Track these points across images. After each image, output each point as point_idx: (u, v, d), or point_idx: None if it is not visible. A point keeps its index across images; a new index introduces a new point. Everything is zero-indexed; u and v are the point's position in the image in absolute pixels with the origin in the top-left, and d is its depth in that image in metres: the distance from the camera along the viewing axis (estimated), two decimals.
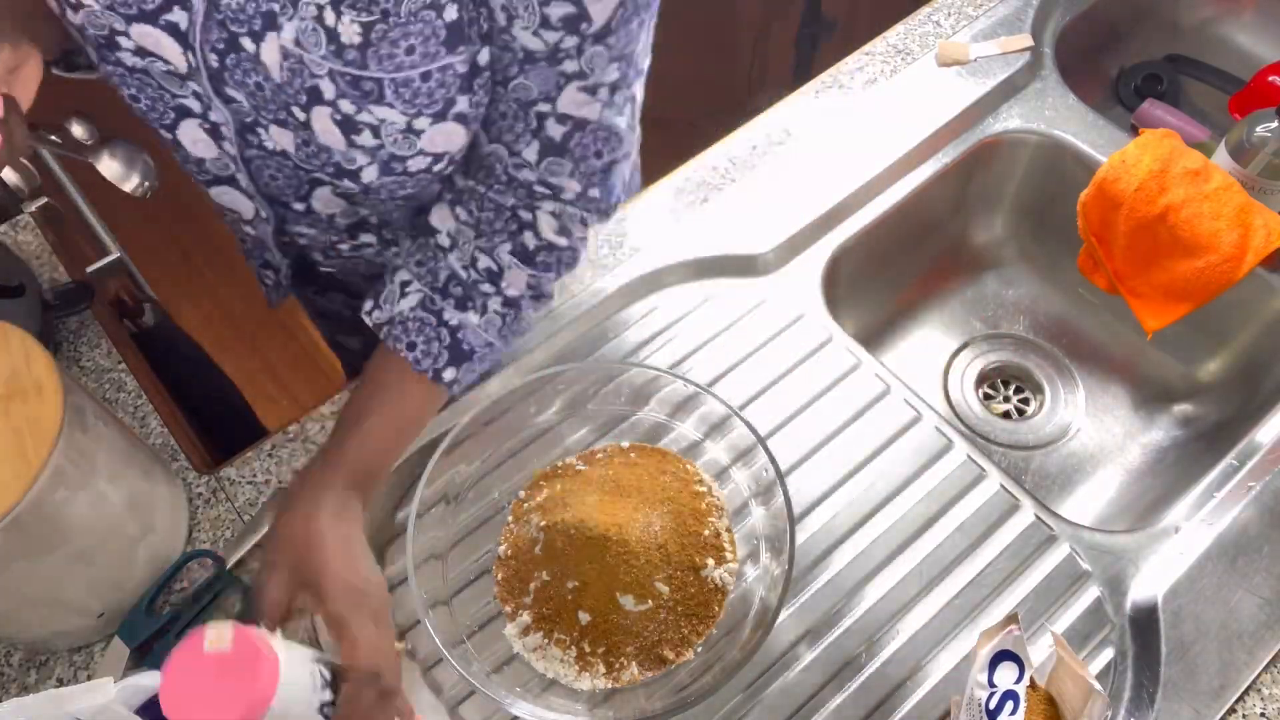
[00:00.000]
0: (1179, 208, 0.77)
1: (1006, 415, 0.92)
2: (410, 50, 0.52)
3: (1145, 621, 0.64)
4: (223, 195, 0.67)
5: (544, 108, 0.57)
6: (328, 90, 0.53)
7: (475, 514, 0.68)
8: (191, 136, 0.61)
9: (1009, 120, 0.90)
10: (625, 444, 0.71)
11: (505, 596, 0.65)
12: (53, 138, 0.62)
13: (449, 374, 0.62)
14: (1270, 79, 0.94)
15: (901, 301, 0.98)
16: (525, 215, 0.62)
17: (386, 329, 0.62)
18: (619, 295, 0.79)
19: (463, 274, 0.62)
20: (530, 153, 0.59)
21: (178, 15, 0.53)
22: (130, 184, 0.66)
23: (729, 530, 0.67)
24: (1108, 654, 0.63)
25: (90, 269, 0.85)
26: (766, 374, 0.75)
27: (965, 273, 1.00)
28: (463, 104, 0.55)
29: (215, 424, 0.94)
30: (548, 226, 0.62)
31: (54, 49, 0.59)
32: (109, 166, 0.65)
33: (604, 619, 0.62)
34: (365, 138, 0.55)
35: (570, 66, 0.54)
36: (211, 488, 0.71)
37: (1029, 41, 0.93)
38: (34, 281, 0.77)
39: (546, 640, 0.63)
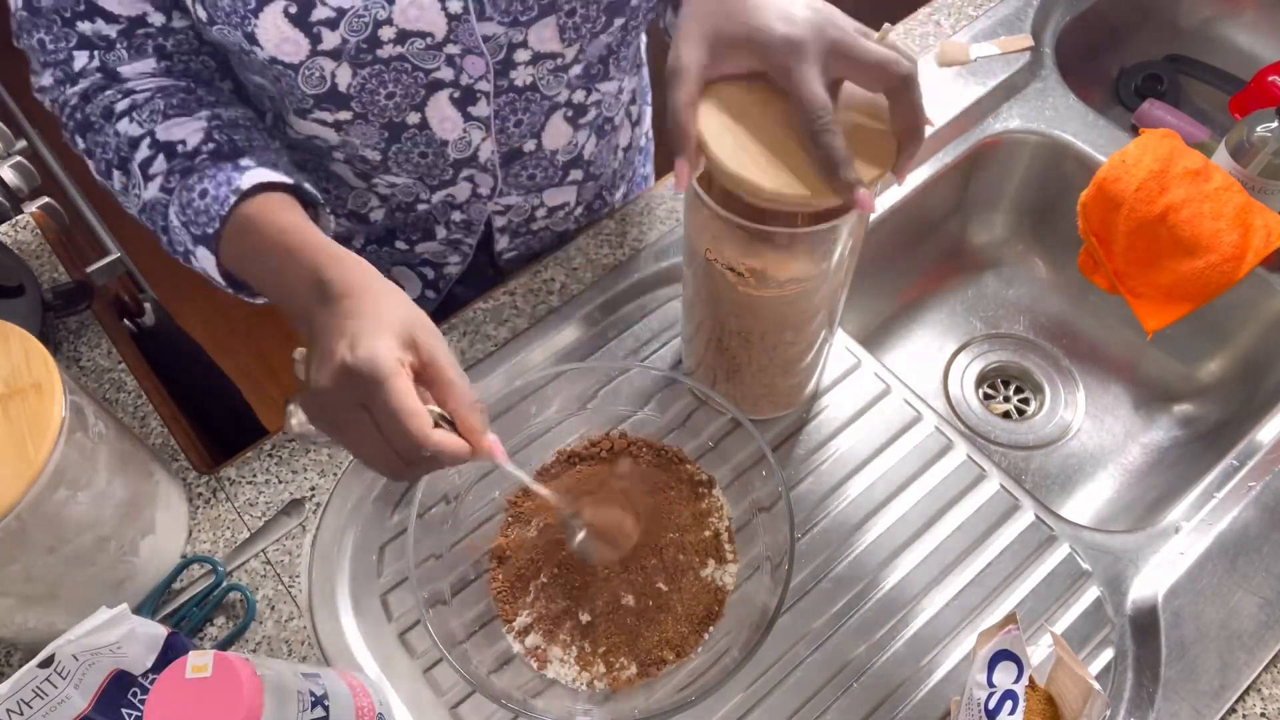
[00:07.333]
0: (1179, 208, 0.77)
1: (1006, 415, 0.92)
2: None
3: (1145, 621, 0.64)
4: (456, 191, 0.75)
5: None
6: None
7: (475, 514, 0.68)
8: (440, 113, 0.67)
9: (1009, 120, 0.90)
10: (626, 444, 0.71)
11: (505, 596, 0.65)
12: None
13: None
14: (1270, 79, 0.94)
15: (901, 301, 0.98)
16: None
17: None
18: (620, 295, 0.79)
19: None
20: None
21: None
22: None
23: (730, 531, 0.67)
24: (1108, 654, 0.63)
25: (90, 269, 0.85)
26: None
27: (965, 273, 1.00)
28: None
29: (215, 424, 0.94)
30: None
31: None
32: None
33: (604, 619, 0.62)
34: None
35: None
36: (211, 488, 0.71)
37: (1029, 41, 0.93)
38: (34, 281, 0.77)
39: (546, 640, 0.63)
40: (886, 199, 0.86)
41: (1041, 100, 0.90)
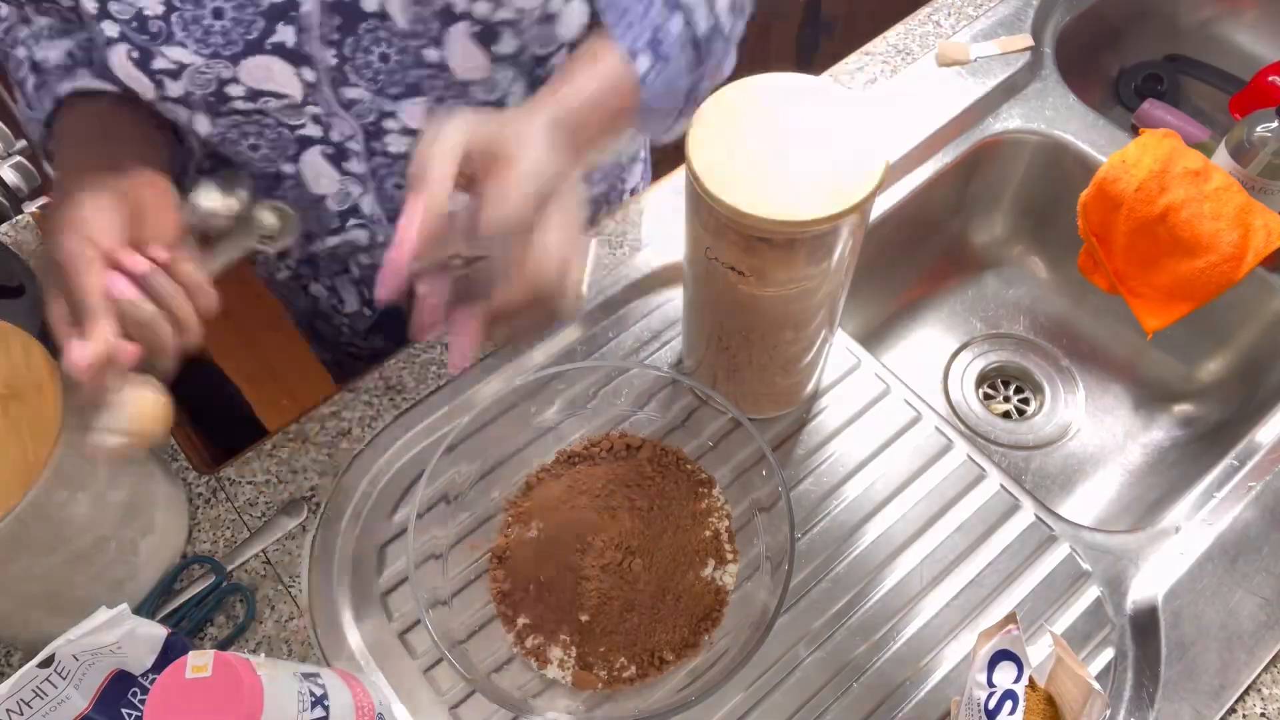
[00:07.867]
0: (1179, 208, 0.77)
1: (1006, 415, 0.92)
2: None
3: (1145, 621, 0.64)
4: (351, 237, 0.71)
5: None
6: (459, 1, 0.54)
7: (475, 514, 0.68)
8: (315, 170, 0.64)
9: (1009, 120, 0.90)
10: (626, 444, 0.71)
11: (505, 596, 0.65)
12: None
13: (643, 61, 0.55)
14: (1270, 79, 0.94)
15: (901, 301, 0.98)
16: None
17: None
18: (620, 295, 0.79)
19: None
20: None
21: (284, 33, 0.54)
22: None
23: (730, 531, 0.67)
24: (1108, 654, 0.63)
25: None
26: None
27: (965, 273, 1.00)
28: None
29: (215, 424, 0.94)
30: None
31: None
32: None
33: (604, 619, 0.62)
34: (505, 43, 0.57)
35: None
36: (211, 488, 0.71)
37: (1029, 41, 0.93)
38: (34, 281, 0.77)
39: (546, 640, 0.63)
40: (886, 199, 0.86)
41: (1041, 100, 0.90)
